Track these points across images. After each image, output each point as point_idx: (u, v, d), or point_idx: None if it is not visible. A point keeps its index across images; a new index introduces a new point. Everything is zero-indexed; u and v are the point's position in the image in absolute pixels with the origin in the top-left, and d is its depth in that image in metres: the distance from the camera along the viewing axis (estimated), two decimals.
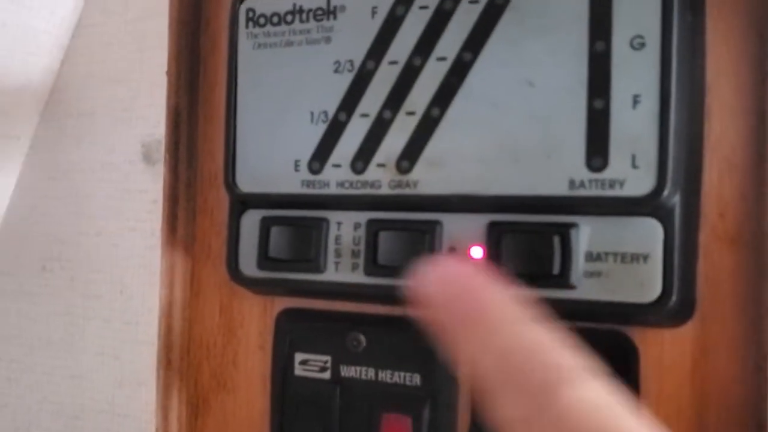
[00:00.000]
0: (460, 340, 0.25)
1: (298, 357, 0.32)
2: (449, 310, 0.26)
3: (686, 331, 0.26)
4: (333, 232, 0.30)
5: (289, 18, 0.30)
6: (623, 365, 0.26)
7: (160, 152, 0.34)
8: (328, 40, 0.29)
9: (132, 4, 0.35)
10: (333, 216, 0.30)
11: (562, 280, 0.25)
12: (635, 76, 0.24)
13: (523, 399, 0.22)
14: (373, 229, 0.29)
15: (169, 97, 0.33)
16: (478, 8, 0.27)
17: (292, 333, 0.32)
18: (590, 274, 0.25)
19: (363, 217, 0.29)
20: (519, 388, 0.22)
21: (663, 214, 0.25)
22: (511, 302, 0.25)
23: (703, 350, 0.26)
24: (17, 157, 0.37)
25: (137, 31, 0.35)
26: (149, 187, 0.34)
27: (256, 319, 0.33)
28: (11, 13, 0.34)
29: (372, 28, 0.28)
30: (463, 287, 0.26)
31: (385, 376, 0.30)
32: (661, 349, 0.26)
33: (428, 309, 0.26)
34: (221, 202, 0.34)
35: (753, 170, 0.25)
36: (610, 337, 0.27)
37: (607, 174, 0.25)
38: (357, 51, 0.29)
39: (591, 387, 0.22)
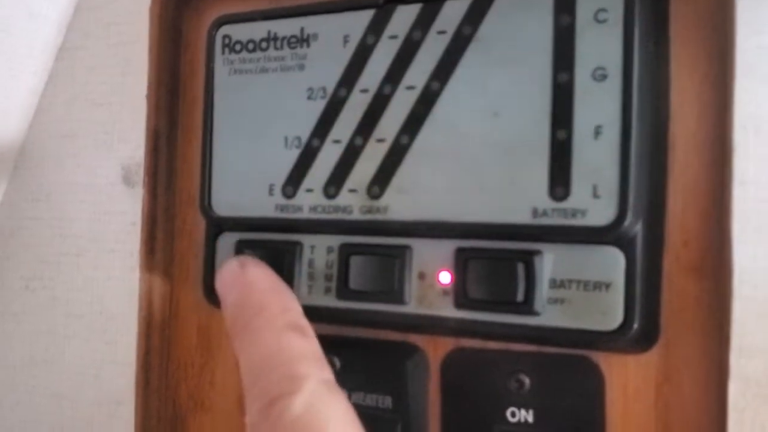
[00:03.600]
0: (232, 343, 0.26)
1: None
2: (226, 311, 0.27)
3: (650, 358, 0.26)
4: (306, 255, 0.30)
5: (264, 45, 0.31)
6: (589, 390, 0.27)
7: (140, 175, 0.34)
8: (301, 67, 0.30)
9: (114, 28, 0.36)
10: (306, 240, 0.30)
11: (526, 307, 0.26)
12: (597, 107, 0.25)
13: (255, 406, 0.23)
14: (345, 253, 0.29)
15: (148, 120, 0.34)
16: (446, 39, 0.27)
17: None
18: (554, 301, 0.26)
19: (336, 241, 0.30)
20: (255, 395, 0.24)
21: (625, 243, 0.25)
22: (268, 306, 0.26)
23: (666, 376, 0.26)
24: (1, 178, 0.38)
25: (119, 55, 0.36)
26: (128, 209, 0.34)
27: None
28: None
29: (344, 56, 0.29)
30: (237, 292, 0.27)
31: (357, 398, 0.30)
32: (625, 375, 0.26)
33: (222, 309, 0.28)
34: (199, 224, 0.34)
35: (717, 199, 0.26)
36: (577, 363, 0.27)
37: (570, 203, 0.25)
38: (329, 78, 0.29)
39: (313, 400, 0.23)
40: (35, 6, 0.36)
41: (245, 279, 0.28)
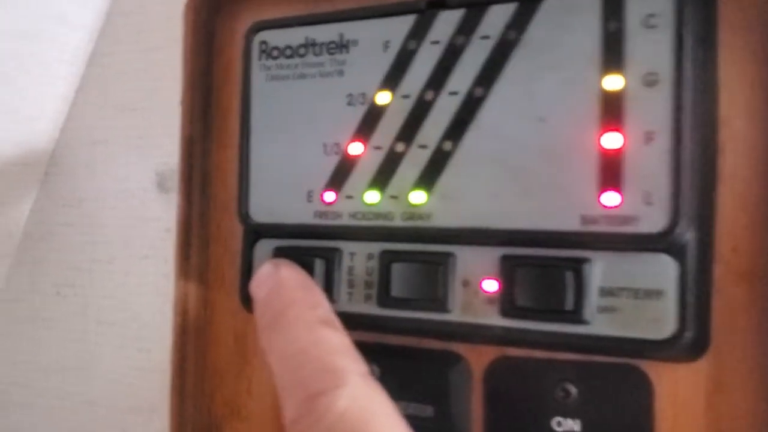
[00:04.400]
0: (260, 338, 0.26)
1: None
2: (256, 308, 0.27)
3: (700, 367, 0.26)
4: (346, 262, 0.30)
5: (302, 51, 0.30)
6: (638, 400, 0.26)
7: (174, 180, 0.34)
8: (341, 73, 0.30)
9: (146, 34, 0.36)
10: (346, 246, 0.30)
11: (576, 316, 0.25)
12: (648, 112, 0.24)
13: (294, 401, 0.23)
14: (386, 260, 0.29)
15: (183, 126, 0.34)
16: (490, 44, 0.27)
17: None
18: (604, 310, 0.25)
19: (376, 248, 0.29)
20: (293, 391, 0.23)
21: (677, 250, 0.25)
22: (297, 301, 0.26)
23: (717, 385, 0.26)
24: (32, 185, 0.38)
25: (151, 61, 0.35)
26: (163, 216, 0.34)
27: None
28: (26, 45, 0.34)
29: (384, 62, 0.29)
30: (267, 289, 0.27)
31: (399, 407, 0.30)
32: (675, 384, 0.26)
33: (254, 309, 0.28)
34: (235, 230, 0.34)
35: (766, 204, 0.25)
36: (625, 372, 0.27)
37: (621, 210, 0.25)
38: (369, 84, 0.29)
39: (357, 394, 0.22)
40: (66, 12, 0.35)
41: (276, 277, 0.28)
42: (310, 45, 0.30)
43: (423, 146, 0.28)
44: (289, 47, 0.31)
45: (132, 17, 0.36)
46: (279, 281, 0.28)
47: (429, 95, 0.28)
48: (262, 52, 0.31)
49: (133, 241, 0.35)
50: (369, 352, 0.30)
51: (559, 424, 0.27)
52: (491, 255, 0.27)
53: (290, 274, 0.28)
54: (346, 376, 0.23)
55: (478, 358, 0.29)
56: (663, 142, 0.24)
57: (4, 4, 0.32)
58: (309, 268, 0.30)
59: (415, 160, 0.28)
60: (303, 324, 0.25)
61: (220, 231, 0.35)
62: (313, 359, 0.24)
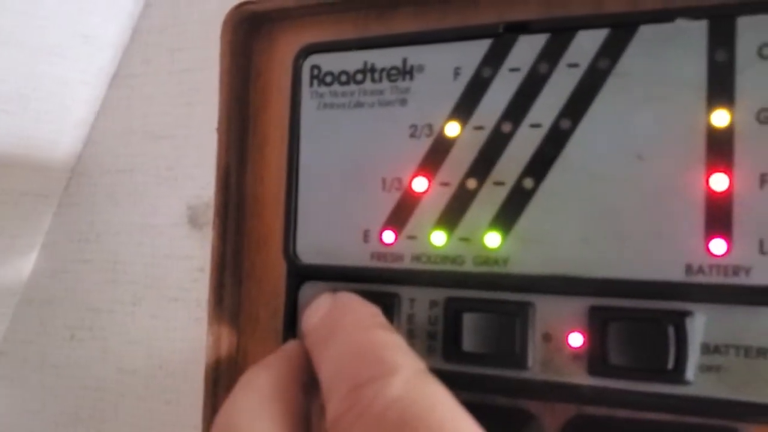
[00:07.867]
0: (313, 357, 0.23)
1: None
2: (310, 335, 0.24)
3: None
4: (405, 309, 0.27)
5: (359, 77, 0.28)
6: None
7: (208, 215, 0.31)
8: (403, 102, 0.27)
9: (178, 54, 0.33)
10: (405, 292, 0.27)
11: (676, 376, 0.23)
12: (762, 152, 0.22)
13: (339, 396, 0.20)
14: (453, 308, 0.26)
15: (219, 155, 0.31)
16: (578, 72, 0.24)
17: None
18: (707, 369, 0.23)
19: (440, 294, 0.27)
20: (339, 386, 0.20)
21: None
22: (356, 311, 0.23)
23: None
24: (44, 217, 0.35)
25: (183, 84, 0.33)
26: (195, 254, 0.31)
27: None
28: (50, 65, 0.31)
29: (454, 90, 0.26)
30: (322, 313, 0.24)
31: None
32: None
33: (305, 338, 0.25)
34: (270, 268, 0.31)
35: None
36: None
37: (731, 260, 0.22)
38: (437, 115, 0.26)
39: (411, 384, 0.20)
40: (91, 28, 0.32)
41: (333, 301, 0.25)
42: (368, 71, 0.28)
43: (499, 183, 0.25)
44: (344, 73, 0.28)
45: (162, 36, 0.33)
46: (335, 303, 0.25)
47: (506, 127, 0.25)
48: (314, 77, 0.29)
49: (160, 280, 0.32)
50: None
51: None
52: (578, 305, 0.25)
53: (348, 296, 0.25)
54: (400, 366, 0.20)
55: (552, 417, 0.26)
56: None
57: (28, 19, 0.29)
58: None
59: (490, 198, 0.26)
60: (359, 328, 0.22)
61: (254, 269, 0.32)
62: (365, 353, 0.21)
